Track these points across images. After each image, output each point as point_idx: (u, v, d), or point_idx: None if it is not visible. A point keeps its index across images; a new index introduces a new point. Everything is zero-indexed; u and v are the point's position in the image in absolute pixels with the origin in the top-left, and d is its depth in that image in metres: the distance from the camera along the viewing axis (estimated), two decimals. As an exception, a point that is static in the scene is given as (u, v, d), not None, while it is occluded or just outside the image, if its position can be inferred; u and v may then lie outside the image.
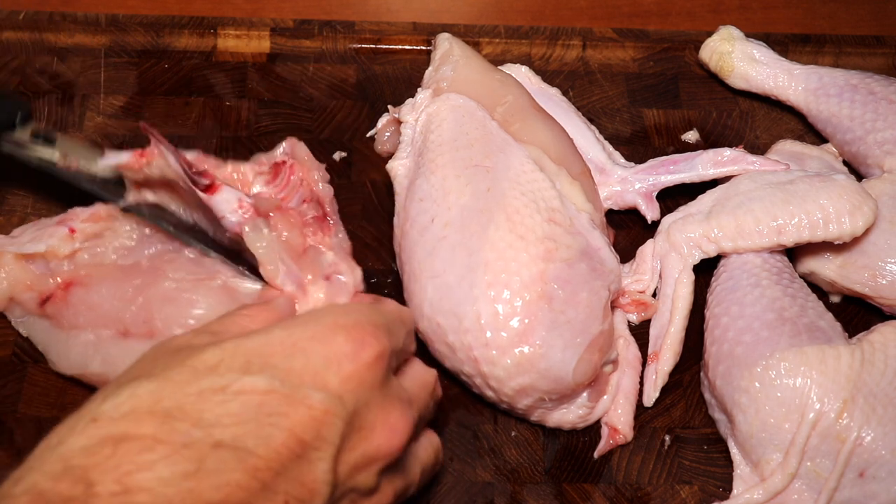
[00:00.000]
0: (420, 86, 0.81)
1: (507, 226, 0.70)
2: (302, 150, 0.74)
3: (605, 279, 0.70)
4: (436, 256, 0.70)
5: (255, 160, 0.74)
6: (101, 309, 0.70)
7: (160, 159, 0.69)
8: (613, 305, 0.75)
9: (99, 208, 0.75)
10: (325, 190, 0.73)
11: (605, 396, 0.72)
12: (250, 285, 0.70)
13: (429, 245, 0.71)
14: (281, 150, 0.74)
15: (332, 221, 0.72)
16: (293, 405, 0.50)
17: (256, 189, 0.73)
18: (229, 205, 0.67)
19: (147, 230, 0.75)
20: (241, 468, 0.47)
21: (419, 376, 0.62)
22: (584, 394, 0.70)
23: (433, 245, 0.70)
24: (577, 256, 0.70)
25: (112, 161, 0.71)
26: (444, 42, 0.82)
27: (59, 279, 0.72)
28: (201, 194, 0.67)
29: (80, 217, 0.74)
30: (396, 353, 0.58)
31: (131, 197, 0.74)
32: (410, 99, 0.79)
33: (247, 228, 0.67)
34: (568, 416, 0.71)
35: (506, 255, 0.68)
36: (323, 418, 0.50)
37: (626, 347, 0.75)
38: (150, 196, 0.74)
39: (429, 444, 0.62)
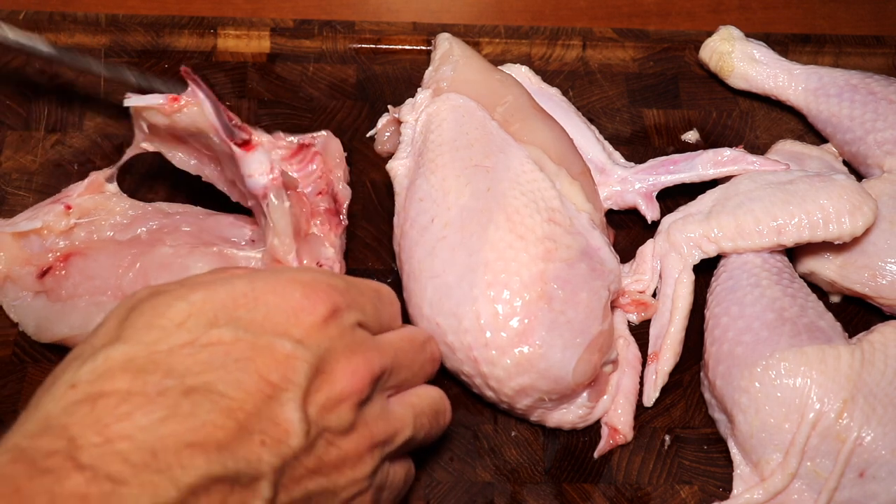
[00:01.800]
0: (420, 86, 0.81)
1: (506, 226, 0.70)
2: (336, 147, 0.73)
3: (604, 279, 0.70)
4: (435, 256, 0.70)
5: (275, 135, 0.73)
6: (99, 277, 0.70)
7: (194, 108, 0.66)
8: (613, 305, 0.75)
9: (96, 176, 0.74)
10: (344, 191, 0.73)
11: (606, 396, 0.72)
12: (249, 253, 0.70)
13: (428, 245, 0.71)
14: (312, 135, 0.73)
15: (343, 221, 0.72)
16: (258, 351, 0.53)
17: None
18: (261, 166, 0.66)
19: (141, 210, 0.75)
20: (217, 409, 0.49)
21: (405, 333, 0.64)
22: (584, 394, 0.70)
23: (433, 245, 0.70)
24: (576, 256, 0.70)
25: (142, 102, 0.68)
26: (444, 42, 0.82)
27: (57, 253, 0.72)
28: (235, 148, 0.66)
29: (76, 192, 0.74)
30: (366, 313, 0.60)
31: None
32: (410, 99, 0.79)
33: (272, 195, 0.66)
34: (568, 416, 0.71)
35: (505, 256, 0.68)
36: (287, 362, 0.53)
37: (626, 347, 0.75)
38: (150, 147, 0.73)
39: (425, 394, 0.64)
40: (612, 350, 0.71)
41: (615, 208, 0.82)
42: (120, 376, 0.49)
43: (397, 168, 0.77)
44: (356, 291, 0.60)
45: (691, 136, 0.89)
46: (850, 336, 0.72)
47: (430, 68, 0.81)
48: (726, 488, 0.71)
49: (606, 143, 0.84)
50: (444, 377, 0.74)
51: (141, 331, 0.52)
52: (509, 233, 0.69)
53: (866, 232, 0.74)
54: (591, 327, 0.68)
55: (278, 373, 0.52)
